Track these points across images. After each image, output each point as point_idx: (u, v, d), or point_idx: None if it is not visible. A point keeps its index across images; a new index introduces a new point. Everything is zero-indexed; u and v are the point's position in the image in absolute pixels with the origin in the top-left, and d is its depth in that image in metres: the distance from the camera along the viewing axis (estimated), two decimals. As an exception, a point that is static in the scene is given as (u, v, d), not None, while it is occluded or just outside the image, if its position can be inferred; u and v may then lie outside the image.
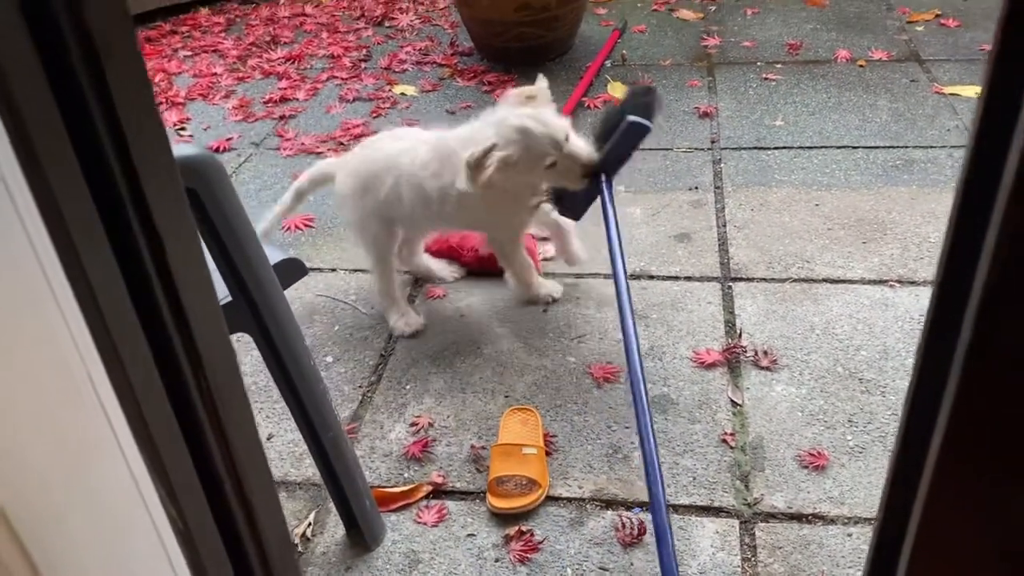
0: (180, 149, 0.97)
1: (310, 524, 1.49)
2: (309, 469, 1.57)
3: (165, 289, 0.54)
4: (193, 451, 0.59)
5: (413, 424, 1.68)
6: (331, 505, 1.46)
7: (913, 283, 1.93)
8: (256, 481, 0.65)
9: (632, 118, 1.74)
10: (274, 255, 1.19)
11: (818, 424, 1.60)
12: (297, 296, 2.06)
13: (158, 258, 0.53)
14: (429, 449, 1.62)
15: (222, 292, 1.14)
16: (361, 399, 1.76)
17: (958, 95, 2.73)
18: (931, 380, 0.53)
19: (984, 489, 0.54)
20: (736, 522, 1.43)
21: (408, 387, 1.78)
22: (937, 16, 3.29)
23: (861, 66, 2.98)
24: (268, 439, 1.68)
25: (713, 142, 2.59)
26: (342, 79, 3.20)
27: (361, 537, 1.42)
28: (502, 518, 1.47)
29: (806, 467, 1.51)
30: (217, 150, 2.77)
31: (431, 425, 1.68)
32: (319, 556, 1.43)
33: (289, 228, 2.34)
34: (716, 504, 1.46)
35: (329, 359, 1.87)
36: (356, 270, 2.15)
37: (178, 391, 0.58)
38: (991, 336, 0.48)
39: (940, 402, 0.53)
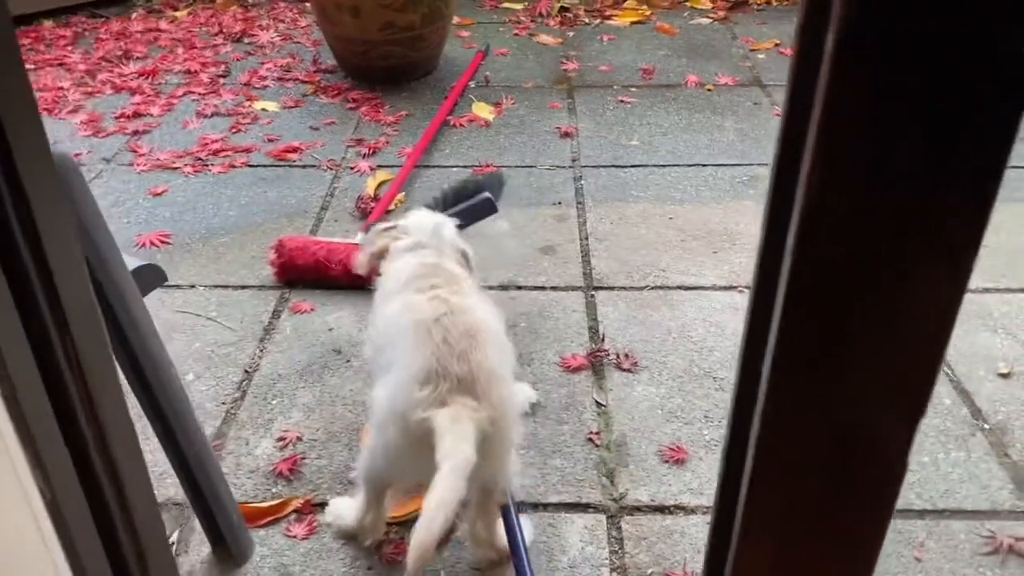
0: (29, 146, 0.93)
1: (174, 543, 1.43)
2: (171, 488, 1.51)
3: (37, 264, 0.52)
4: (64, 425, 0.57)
5: (280, 439, 1.65)
6: (196, 523, 1.41)
7: (759, 288, 2.07)
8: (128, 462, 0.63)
9: (488, 195, 1.86)
10: (132, 262, 1.15)
11: (677, 421, 1.68)
12: (154, 313, 1.97)
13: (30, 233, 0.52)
14: (298, 466, 1.59)
15: (75, 299, 1.09)
16: (225, 416, 1.71)
17: (795, 118, 2.94)
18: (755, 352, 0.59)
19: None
20: (603, 516, 1.48)
21: (275, 402, 1.75)
22: (776, 45, 3.54)
23: (709, 90, 3.16)
24: (125, 461, 1.60)
25: (574, 160, 2.69)
26: (200, 95, 3.11)
27: (229, 553, 1.38)
28: (374, 527, 1.46)
29: (667, 462, 1.59)
30: (64, 166, 2.63)
31: (299, 439, 1.65)
32: (185, 575, 1.38)
33: (144, 244, 2.25)
34: (584, 500, 1.51)
35: (190, 376, 1.81)
36: (216, 286, 2.09)
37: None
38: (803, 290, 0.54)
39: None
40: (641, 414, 1.70)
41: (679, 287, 2.08)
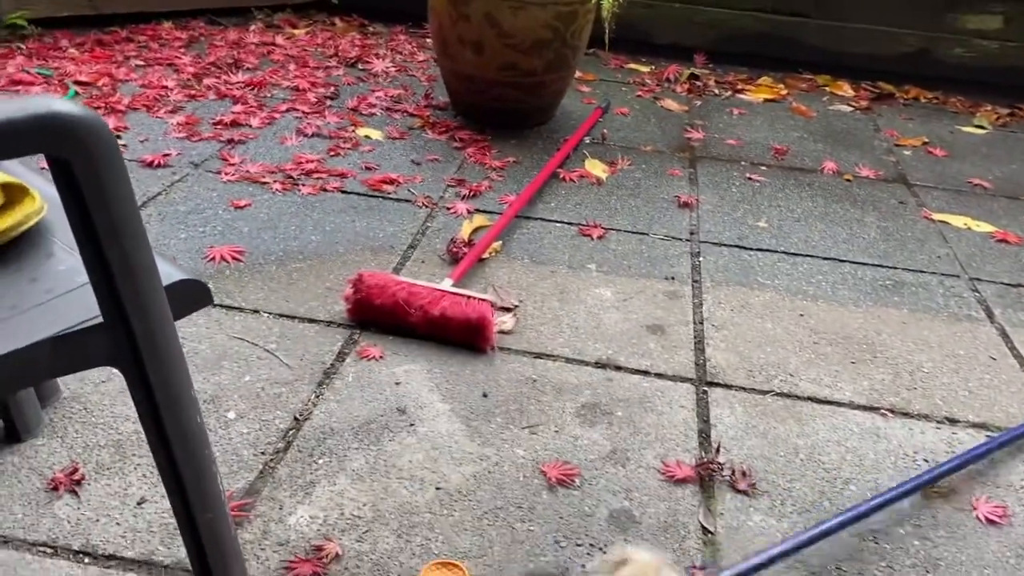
0: (47, 102, 0.71)
1: (167, 625, 1.16)
2: (183, 549, 1.26)
3: None
4: None
5: (317, 517, 1.38)
6: (199, 603, 1.14)
7: (907, 415, 1.72)
8: None
9: None
10: (170, 272, 0.91)
11: (801, 569, 1.35)
12: (207, 335, 1.76)
13: None
14: (326, 563, 1.32)
15: (90, 310, 0.85)
16: (262, 469, 1.46)
17: (947, 223, 2.60)
18: None
19: None
20: None
21: (321, 461, 1.48)
22: (924, 143, 3.21)
23: (848, 180, 2.85)
24: (139, 504, 1.36)
25: (692, 233, 2.40)
26: (303, 113, 2.96)
27: (230, 651, 1.10)
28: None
29: (789, 622, 1.25)
30: (151, 164, 2.48)
31: (341, 516, 1.38)
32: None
33: (215, 258, 2.04)
34: (679, 657, 1.19)
35: (231, 415, 1.57)
36: (282, 315, 1.86)
37: None
38: None
39: None
40: (756, 551, 1.37)
41: (810, 398, 1.75)
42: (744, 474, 1.51)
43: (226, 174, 2.47)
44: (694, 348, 1.88)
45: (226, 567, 1.03)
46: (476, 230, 2.28)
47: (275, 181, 2.46)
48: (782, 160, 2.97)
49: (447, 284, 1.92)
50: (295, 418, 1.58)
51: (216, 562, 1.03)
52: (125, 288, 0.83)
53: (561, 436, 1.59)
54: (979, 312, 2.12)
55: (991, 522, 1.47)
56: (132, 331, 0.85)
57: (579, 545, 1.35)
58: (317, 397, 1.63)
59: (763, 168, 2.89)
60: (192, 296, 0.95)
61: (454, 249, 2.13)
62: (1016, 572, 1.38)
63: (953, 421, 1.72)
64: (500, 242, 2.23)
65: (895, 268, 2.31)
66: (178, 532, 1.25)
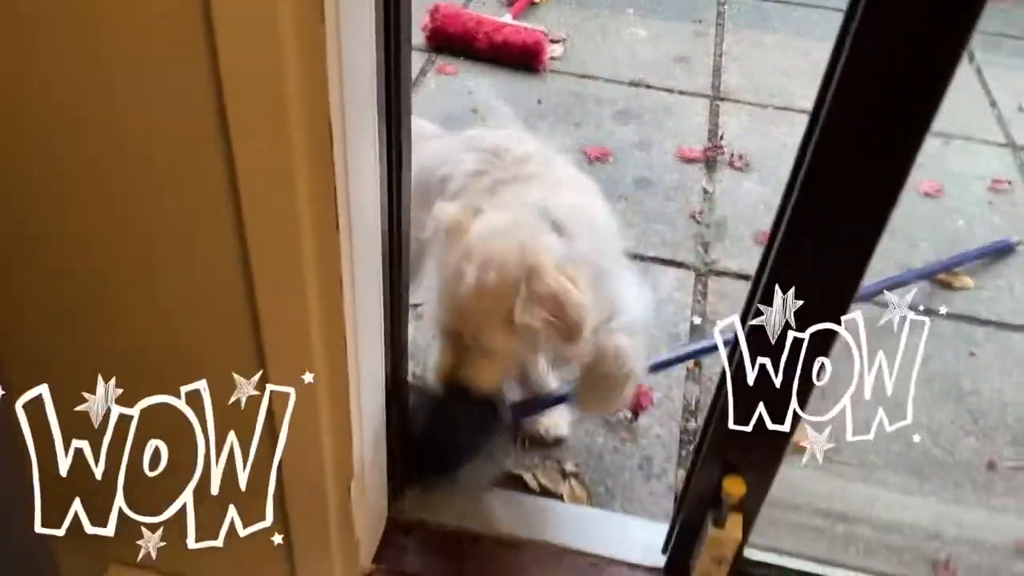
0: None
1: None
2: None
3: None
4: None
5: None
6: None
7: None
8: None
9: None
10: None
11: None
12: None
13: None
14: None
15: None
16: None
17: None
18: None
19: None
20: (693, 274, 1.65)
21: (415, 140, 1.94)
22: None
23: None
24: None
25: (720, -14, 2.71)
26: None
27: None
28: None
29: (760, 243, 1.73)
30: None
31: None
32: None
33: None
34: (679, 260, 1.68)
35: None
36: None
37: None
38: None
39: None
40: (744, 205, 1.83)
41: (803, 111, 2.15)
42: (740, 157, 1.95)
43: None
44: (712, 74, 2.27)
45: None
46: (530, -21, 2.62)
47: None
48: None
49: (507, 18, 2.30)
50: (392, 112, 2.03)
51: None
52: None
53: (599, 130, 2.02)
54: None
55: (928, 195, 1.91)
56: None
57: (610, 197, 1.82)
58: (407, 99, 2.07)
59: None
60: None
61: (511, -7, 2.49)
62: (942, 225, 1.83)
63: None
64: (553, -14, 2.58)
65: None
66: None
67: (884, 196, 0.70)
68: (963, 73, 2.37)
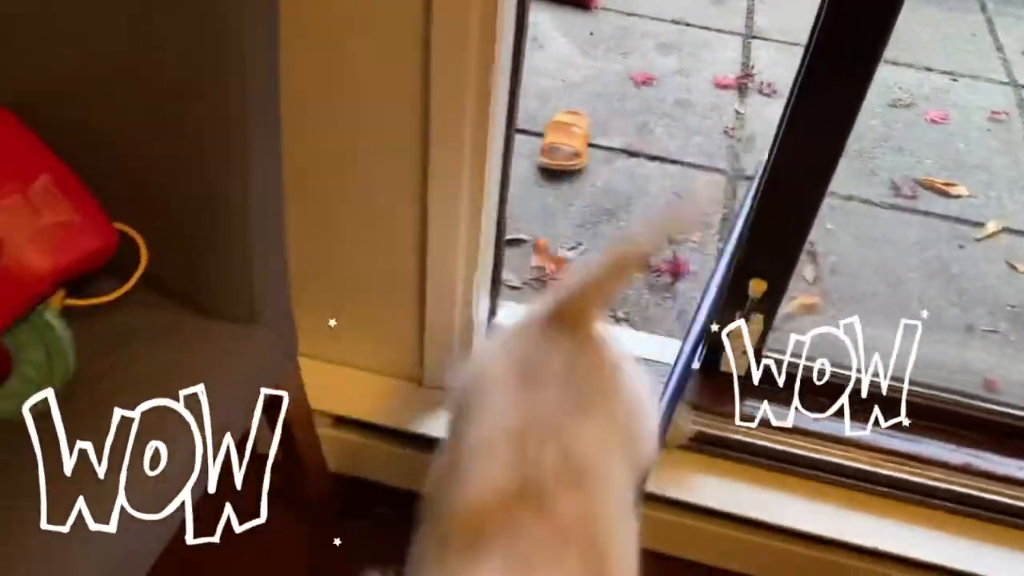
0: None
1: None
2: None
3: None
4: None
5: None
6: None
7: (893, 63, 2.39)
8: None
9: None
10: None
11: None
12: None
13: None
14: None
15: None
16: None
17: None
18: None
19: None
20: (723, 178, 1.93)
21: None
22: None
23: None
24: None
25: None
26: None
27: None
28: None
29: (784, 154, 2.00)
30: None
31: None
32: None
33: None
34: (712, 165, 1.96)
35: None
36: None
37: None
38: None
39: None
40: (771, 124, 2.05)
41: (826, 48, 2.41)
42: (768, 84, 2.22)
43: None
44: (745, 16, 2.53)
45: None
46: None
47: None
48: None
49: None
50: (462, 39, 2.30)
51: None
52: None
53: (645, 59, 2.29)
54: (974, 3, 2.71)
55: (935, 122, 2.17)
56: None
57: (654, 114, 2.10)
58: (475, 29, 2.35)
59: None
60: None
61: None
62: (945, 146, 2.09)
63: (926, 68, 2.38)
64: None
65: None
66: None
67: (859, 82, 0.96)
68: (974, 20, 2.62)
